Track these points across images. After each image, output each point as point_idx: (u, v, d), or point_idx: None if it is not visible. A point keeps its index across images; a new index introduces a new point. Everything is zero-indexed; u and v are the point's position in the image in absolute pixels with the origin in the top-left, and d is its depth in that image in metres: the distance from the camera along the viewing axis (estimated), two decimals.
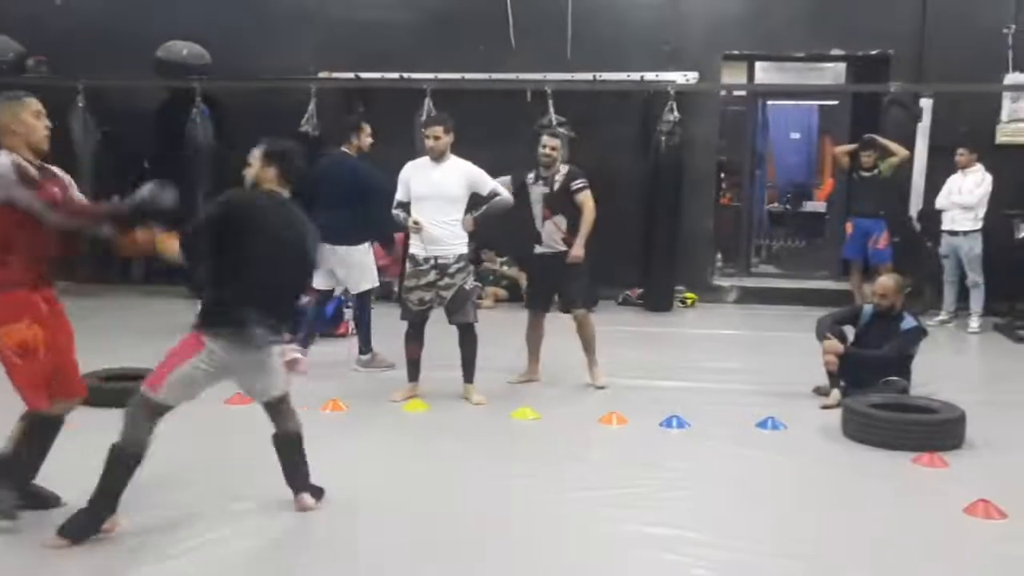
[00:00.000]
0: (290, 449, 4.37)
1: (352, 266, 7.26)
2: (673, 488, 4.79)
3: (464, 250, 6.26)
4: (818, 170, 13.12)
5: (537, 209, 6.67)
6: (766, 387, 6.87)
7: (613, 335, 8.01)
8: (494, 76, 10.79)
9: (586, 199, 6.62)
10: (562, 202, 6.63)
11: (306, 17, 11.36)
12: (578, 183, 6.63)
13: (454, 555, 3.97)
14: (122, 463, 3.97)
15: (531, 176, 6.73)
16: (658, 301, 10.39)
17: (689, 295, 10.83)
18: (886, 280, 6.59)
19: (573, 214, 6.63)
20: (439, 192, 6.12)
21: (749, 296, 11.17)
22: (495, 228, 10.36)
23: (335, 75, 11.07)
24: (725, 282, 11.39)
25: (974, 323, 9.36)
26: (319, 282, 7.07)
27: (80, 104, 10.65)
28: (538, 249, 6.72)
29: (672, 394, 6.60)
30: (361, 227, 7.31)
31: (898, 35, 10.77)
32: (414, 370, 6.44)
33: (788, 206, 12.85)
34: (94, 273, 11.10)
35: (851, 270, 10.11)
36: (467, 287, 6.25)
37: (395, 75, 10.77)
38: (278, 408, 4.34)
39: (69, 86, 10.67)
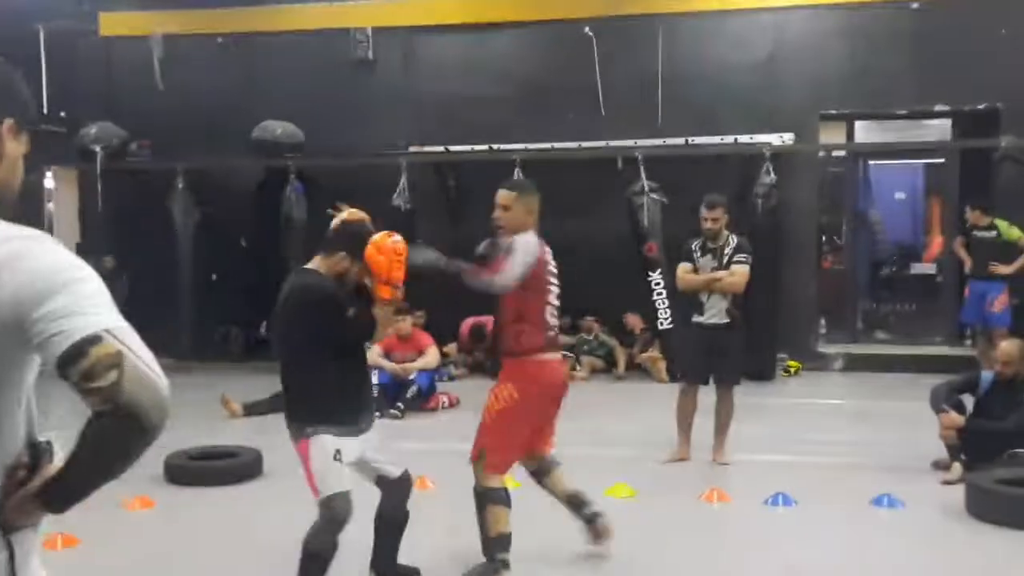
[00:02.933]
0: None
1: None
2: (783, 574, 4.43)
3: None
4: (925, 231, 12.56)
5: None
6: (880, 461, 6.43)
7: (712, 406, 7.67)
8: (584, 145, 10.68)
9: (740, 269, 6.36)
10: None
11: (397, 94, 11.50)
12: (740, 256, 6.40)
13: None
14: None
15: (696, 245, 6.50)
16: (759, 370, 9.95)
17: (792, 363, 10.38)
18: (1009, 346, 6.13)
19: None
20: None
21: (857, 363, 10.64)
22: (594, 294, 10.35)
23: (426, 149, 11.12)
24: (831, 349, 10.90)
25: None
26: None
27: (180, 186, 10.93)
28: (697, 319, 6.48)
29: (777, 469, 6.23)
30: None
31: (1007, 88, 10.29)
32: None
33: (894, 268, 12.30)
34: (193, 349, 11.29)
35: (975, 335, 9.57)
36: None
37: (484, 147, 10.74)
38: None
39: (169, 169, 10.99)
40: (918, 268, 12.07)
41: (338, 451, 3.79)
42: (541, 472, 4.52)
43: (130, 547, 4.92)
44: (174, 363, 11.20)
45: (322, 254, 3.93)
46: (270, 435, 7.40)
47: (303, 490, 5.81)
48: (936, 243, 12.12)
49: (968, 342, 10.53)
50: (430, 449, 6.69)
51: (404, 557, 4.62)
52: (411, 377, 8.28)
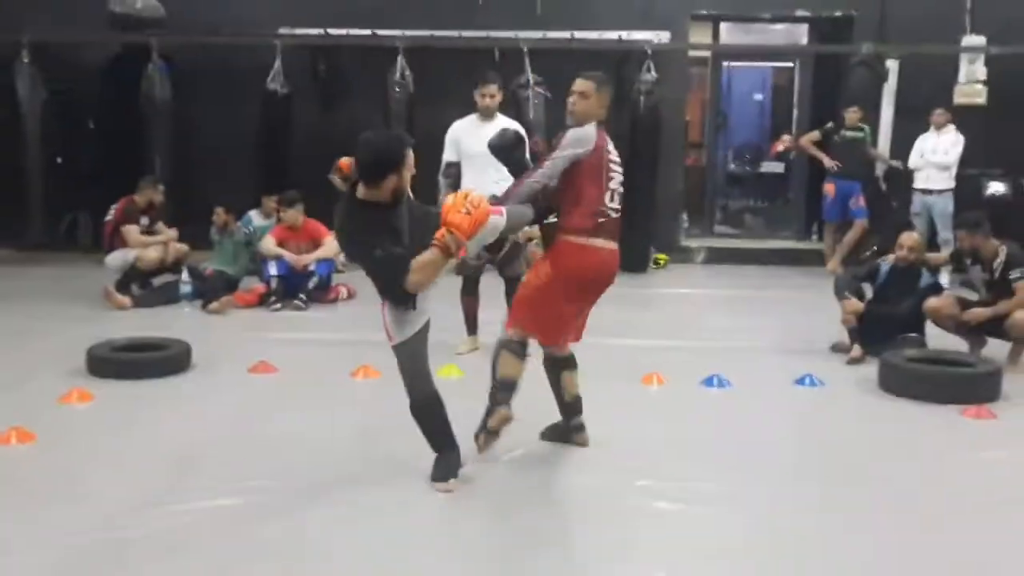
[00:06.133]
0: None
1: None
2: (736, 443, 4.79)
3: None
4: (773, 131, 13.25)
5: None
6: (781, 345, 6.92)
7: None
8: (464, 34, 10.53)
9: None
10: None
11: None
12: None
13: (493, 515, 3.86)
14: None
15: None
16: (634, 262, 10.31)
17: (661, 256, 10.85)
18: (914, 235, 6.71)
19: None
20: None
21: (716, 256, 11.25)
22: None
23: (298, 31, 10.63)
24: (693, 243, 11.46)
25: (945, 279, 9.58)
26: None
27: (25, 60, 10.00)
28: None
29: (693, 354, 6.54)
30: None
31: None
32: (472, 324, 6.53)
33: (747, 167, 12.97)
34: (40, 239, 10.55)
35: (827, 231, 10.25)
36: (519, 241, 6.20)
37: (366, 32, 10.38)
38: None
39: (13, 40, 10.00)
40: (767, 167, 12.75)
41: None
42: (559, 365, 4.56)
43: (85, 442, 4.69)
44: (21, 254, 10.48)
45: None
46: (186, 327, 7.12)
47: (242, 382, 5.72)
48: (780, 142, 12.75)
49: (815, 237, 11.37)
50: (362, 339, 6.59)
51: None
52: (311, 268, 8.10)
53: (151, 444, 4.64)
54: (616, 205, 4.40)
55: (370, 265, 3.89)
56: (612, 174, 4.40)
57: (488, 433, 4.31)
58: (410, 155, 3.92)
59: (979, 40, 10.48)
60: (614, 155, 4.45)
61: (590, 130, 4.36)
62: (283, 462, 4.40)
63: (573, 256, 4.32)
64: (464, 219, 3.73)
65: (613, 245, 4.41)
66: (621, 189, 4.46)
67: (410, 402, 4.06)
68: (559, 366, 4.56)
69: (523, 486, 4.22)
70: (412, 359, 4.02)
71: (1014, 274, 6.27)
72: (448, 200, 3.83)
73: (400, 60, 10.01)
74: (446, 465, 4.11)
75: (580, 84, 4.46)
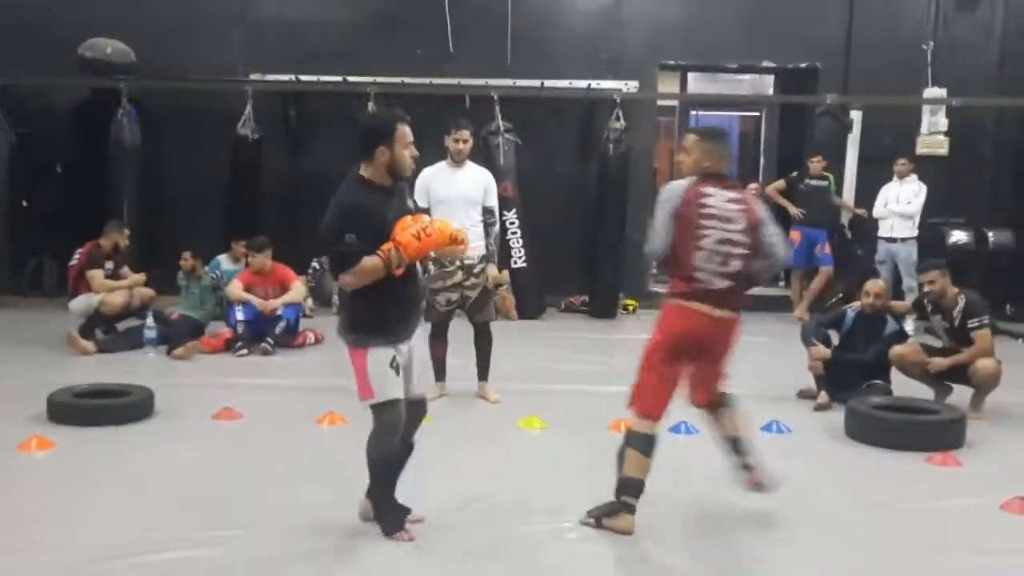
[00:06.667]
0: None
1: None
2: (703, 491, 4.79)
3: (484, 250, 6.23)
4: (740, 178, 13.42)
5: None
6: (751, 391, 6.86)
7: (565, 341, 8.44)
8: (435, 81, 10.62)
9: None
10: None
11: (234, 15, 10.95)
12: None
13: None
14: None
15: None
16: (604, 308, 10.41)
17: (631, 301, 10.90)
18: (880, 282, 6.80)
19: None
20: (462, 195, 6.12)
21: None
22: None
23: (269, 77, 10.68)
24: (661, 289, 11.49)
25: (909, 326, 9.67)
26: None
27: None
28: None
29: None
30: None
31: (825, 48, 11.13)
32: (440, 370, 6.42)
33: None
34: (4, 283, 10.44)
35: (793, 278, 10.35)
36: (489, 286, 6.27)
37: (337, 78, 10.43)
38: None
39: None
40: None
41: (394, 358, 3.86)
42: (712, 406, 4.49)
43: (45, 491, 4.60)
44: None
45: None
46: (150, 373, 7.05)
47: (205, 429, 5.64)
48: (748, 190, 12.91)
49: (781, 283, 11.46)
50: (329, 385, 6.54)
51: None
52: (278, 312, 8.05)
53: (114, 493, 4.57)
54: (716, 267, 4.07)
55: (334, 244, 3.80)
56: (706, 232, 4.04)
57: (599, 524, 4.23)
58: (405, 131, 3.88)
59: (940, 92, 10.74)
60: (717, 208, 4.05)
61: (679, 183, 4.15)
62: (249, 511, 4.34)
63: (667, 317, 4.23)
64: (411, 241, 3.75)
65: (716, 310, 4.14)
66: (735, 250, 4.08)
67: (369, 452, 3.96)
68: (711, 409, 4.51)
69: (484, 536, 4.18)
70: (390, 418, 3.92)
71: (972, 323, 6.37)
72: (407, 219, 3.84)
73: (371, 106, 10.05)
74: (393, 518, 4.05)
75: (685, 138, 4.32)
